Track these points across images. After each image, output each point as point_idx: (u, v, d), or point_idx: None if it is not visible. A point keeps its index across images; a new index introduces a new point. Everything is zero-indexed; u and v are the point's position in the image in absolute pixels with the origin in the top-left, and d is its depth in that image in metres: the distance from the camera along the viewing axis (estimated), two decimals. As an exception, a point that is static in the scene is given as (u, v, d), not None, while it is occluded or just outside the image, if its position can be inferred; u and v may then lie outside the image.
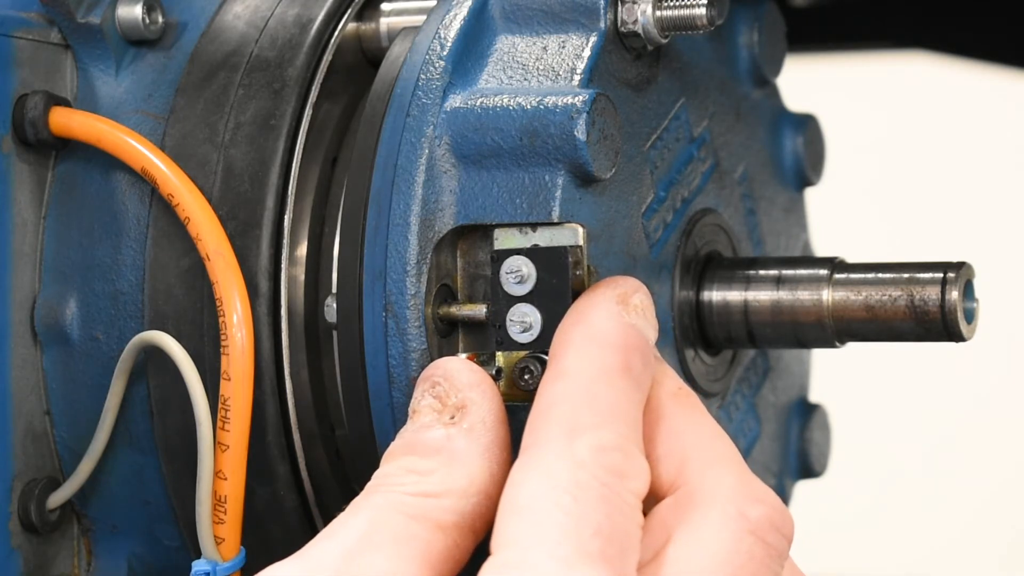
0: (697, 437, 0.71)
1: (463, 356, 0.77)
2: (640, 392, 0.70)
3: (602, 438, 0.67)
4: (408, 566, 0.67)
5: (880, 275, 0.84)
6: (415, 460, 0.70)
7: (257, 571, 0.78)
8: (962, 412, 2.52)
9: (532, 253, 0.76)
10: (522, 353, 0.75)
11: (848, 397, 1.61)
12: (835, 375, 1.44)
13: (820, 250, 1.02)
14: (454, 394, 0.72)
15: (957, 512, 2.50)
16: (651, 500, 0.70)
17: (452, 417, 0.71)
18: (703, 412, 0.72)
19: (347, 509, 0.69)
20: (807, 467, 0.99)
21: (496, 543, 0.66)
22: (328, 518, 0.83)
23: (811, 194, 1.02)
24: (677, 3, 0.79)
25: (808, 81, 1.30)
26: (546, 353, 0.75)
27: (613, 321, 0.71)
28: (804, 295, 0.86)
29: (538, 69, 0.79)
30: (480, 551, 0.69)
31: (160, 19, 0.87)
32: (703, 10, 0.79)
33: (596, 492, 0.66)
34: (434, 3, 0.84)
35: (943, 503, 2.50)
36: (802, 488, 1.00)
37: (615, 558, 0.65)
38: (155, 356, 0.82)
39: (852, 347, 0.88)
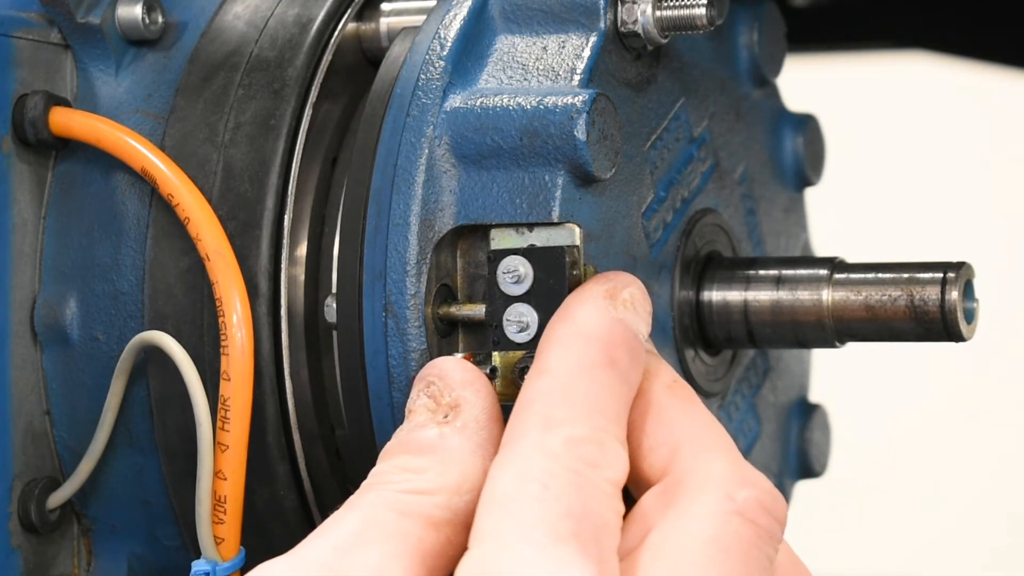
0: (690, 427, 0.71)
1: (459, 355, 0.77)
2: (626, 385, 0.70)
3: (576, 431, 0.68)
4: (399, 563, 0.67)
5: (880, 275, 0.84)
6: (409, 459, 0.70)
7: (257, 571, 0.78)
8: (963, 412, 2.52)
9: (529, 253, 0.76)
10: (519, 353, 0.75)
11: (848, 397, 1.61)
12: (835, 375, 1.44)
13: (820, 250, 1.02)
14: (448, 393, 0.72)
15: (958, 512, 2.50)
16: (644, 490, 0.70)
17: (446, 416, 0.72)
18: (698, 403, 0.72)
19: (342, 507, 0.69)
20: (807, 467, 0.99)
21: (473, 538, 0.66)
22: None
23: (811, 194, 1.02)
24: (677, 3, 0.79)
25: (808, 81, 1.30)
26: (544, 353, 0.75)
27: (599, 316, 0.71)
28: (804, 295, 0.85)
29: (538, 69, 0.79)
30: None
31: (160, 19, 0.87)
32: (703, 10, 0.79)
33: (567, 479, 0.66)
34: (434, 3, 0.84)
35: (943, 503, 2.50)
36: (802, 488, 1.00)
37: (590, 540, 0.65)
38: (155, 356, 0.82)
39: (852, 347, 0.88)
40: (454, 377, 0.73)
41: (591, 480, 0.67)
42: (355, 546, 0.67)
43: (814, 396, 1.01)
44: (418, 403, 0.72)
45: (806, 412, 0.99)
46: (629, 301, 0.72)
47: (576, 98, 0.76)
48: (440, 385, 0.73)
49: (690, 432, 0.71)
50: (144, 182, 0.83)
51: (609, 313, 0.72)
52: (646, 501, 0.69)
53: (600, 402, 0.69)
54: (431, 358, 0.76)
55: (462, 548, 0.69)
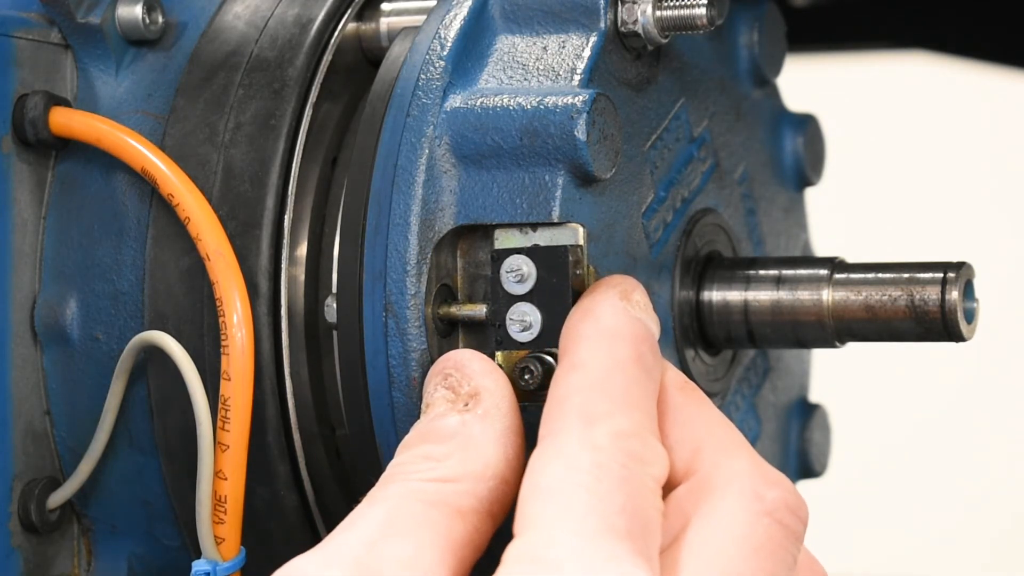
0: (708, 426, 0.71)
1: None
2: (653, 382, 0.71)
3: (619, 425, 0.68)
4: (431, 552, 0.66)
5: (880, 275, 0.84)
6: (430, 447, 0.70)
7: (257, 571, 0.78)
8: (963, 412, 2.52)
9: (532, 252, 0.76)
10: (522, 353, 0.75)
11: (848, 397, 1.61)
12: (835, 375, 1.44)
13: (820, 250, 1.02)
14: (467, 383, 0.72)
15: (958, 512, 2.49)
16: (666, 488, 0.70)
17: (466, 405, 0.72)
18: (710, 403, 0.73)
19: (364, 500, 0.69)
20: (807, 467, 0.99)
21: (520, 525, 0.66)
22: (328, 518, 0.84)
23: (811, 194, 1.02)
24: (677, 3, 0.80)
25: (808, 81, 1.30)
26: (547, 353, 0.75)
27: (620, 315, 0.72)
28: (804, 295, 0.85)
29: (538, 69, 0.79)
30: (498, 538, 0.69)
31: (160, 19, 0.87)
32: (703, 10, 0.79)
33: (617, 474, 0.66)
34: (434, 3, 0.84)
35: (943, 503, 2.50)
36: (802, 488, 1.00)
37: (639, 537, 0.65)
38: (155, 356, 0.82)
39: (852, 347, 0.88)
40: (472, 367, 0.73)
41: (638, 476, 0.67)
42: (384, 539, 0.66)
43: (814, 396, 1.01)
44: (436, 395, 0.72)
45: (806, 412, 0.99)
46: (641, 303, 0.73)
47: (576, 98, 0.76)
48: (458, 376, 0.73)
49: (708, 432, 0.71)
50: (144, 182, 0.83)
51: (629, 312, 0.72)
52: (674, 500, 0.70)
53: (636, 397, 0.69)
54: (431, 358, 0.76)
55: (487, 536, 0.69)
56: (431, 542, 0.67)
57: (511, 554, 0.65)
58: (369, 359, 0.78)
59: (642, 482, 0.67)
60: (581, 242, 0.76)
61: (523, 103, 0.77)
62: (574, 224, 0.76)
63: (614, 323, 0.71)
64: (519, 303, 0.76)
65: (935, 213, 2.53)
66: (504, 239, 0.76)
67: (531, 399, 0.75)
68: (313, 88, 0.84)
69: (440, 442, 0.70)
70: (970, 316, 0.83)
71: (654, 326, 0.73)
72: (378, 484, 0.70)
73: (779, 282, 0.86)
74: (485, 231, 0.78)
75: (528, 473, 0.67)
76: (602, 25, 0.79)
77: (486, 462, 0.70)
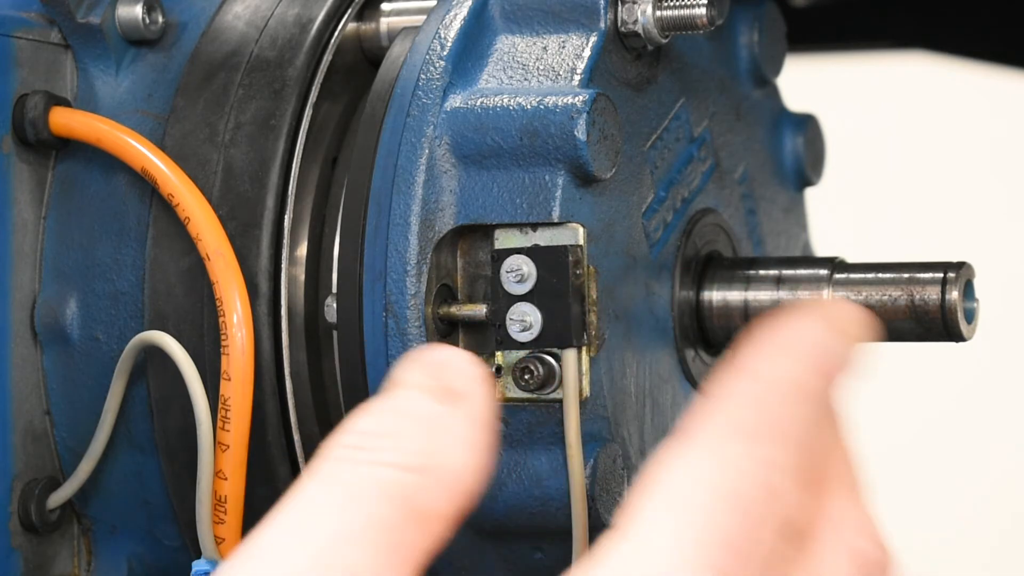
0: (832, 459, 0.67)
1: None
2: (818, 428, 0.65)
3: (779, 457, 0.62)
4: (388, 558, 0.59)
5: (880, 275, 0.84)
6: (394, 421, 0.62)
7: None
8: (962, 412, 2.52)
9: (532, 252, 0.76)
10: (522, 353, 0.75)
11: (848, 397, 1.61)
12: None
13: (820, 250, 1.02)
14: (456, 380, 0.63)
15: (958, 512, 2.49)
16: None
17: (444, 400, 0.62)
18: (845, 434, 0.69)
19: (309, 483, 0.62)
20: (807, 467, 0.99)
21: (627, 517, 0.60)
22: (328, 518, 0.83)
23: (811, 194, 1.02)
24: (677, 3, 0.80)
25: (808, 81, 1.30)
26: (547, 353, 0.75)
27: (822, 344, 0.65)
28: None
29: (538, 69, 0.79)
30: (454, 538, 0.67)
31: (160, 19, 0.87)
32: (703, 10, 0.79)
33: (754, 513, 0.61)
34: (434, 3, 0.84)
35: (944, 503, 2.50)
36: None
37: None
38: (155, 356, 0.82)
39: (851, 347, 0.88)
40: (466, 370, 0.63)
41: (773, 521, 0.61)
42: (335, 544, 0.59)
43: (814, 396, 1.01)
44: (413, 377, 0.63)
45: (806, 412, 0.99)
46: (852, 339, 0.66)
47: (576, 98, 0.76)
48: (448, 372, 0.63)
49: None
50: (144, 182, 0.83)
51: (834, 346, 0.65)
52: None
53: (804, 433, 0.63)
54: (431, 358, 0.76)
55: (441, 539, 0.61)
56: (387, 550, 0.60)
57: (606, 545, 0.61)
58: (369, 359, 0.78)
59: (775, 530, 0.61)
60: (581, 242, 0.76)
61: (523, 103, 0.77)
62: (574, 224, 0.76)
63: (812, 350, 0.64)
64: (519, 303, 0.76)
65: (935, 213, 2.53)
66: (504, 239, 0.77)
67: (531, 399, 0.75)
68: (313, 88, 0.84)
69: (407, 420, 0.61)
70: (970, 316, 0.83)
71: (846, 367, 0.66)
72: (324, 461, 0.61)
73: (779, 282, 0.86)
74: (485, 231, 0.78)
75: (664, 461, 0.62)
76: (602, 25, 0.79)
77: (452, 458, 0.61)
